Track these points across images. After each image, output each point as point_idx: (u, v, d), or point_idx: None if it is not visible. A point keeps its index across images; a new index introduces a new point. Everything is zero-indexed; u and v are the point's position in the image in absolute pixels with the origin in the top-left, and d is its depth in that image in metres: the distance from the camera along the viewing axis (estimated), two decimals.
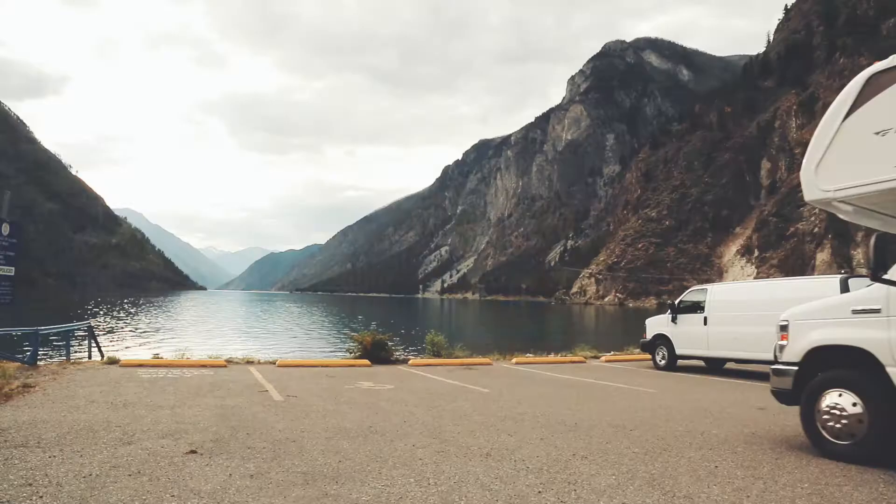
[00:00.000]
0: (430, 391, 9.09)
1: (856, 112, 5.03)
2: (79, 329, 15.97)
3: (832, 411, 5.14)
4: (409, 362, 13.53)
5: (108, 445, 5.08)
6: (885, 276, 4.83)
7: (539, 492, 4.08)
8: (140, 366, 11.36)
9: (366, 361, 13.06)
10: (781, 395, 5.83)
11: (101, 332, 24.54)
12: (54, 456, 4.68)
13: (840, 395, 5.11)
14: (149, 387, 8.66)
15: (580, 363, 14.48)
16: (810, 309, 5.73)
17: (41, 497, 3.72)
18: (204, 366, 11.76)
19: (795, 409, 5.64)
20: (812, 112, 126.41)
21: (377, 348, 13.55)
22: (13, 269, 9.67)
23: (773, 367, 5.93)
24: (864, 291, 5.22)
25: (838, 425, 5.08)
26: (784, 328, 5.83)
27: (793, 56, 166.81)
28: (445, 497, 3.93)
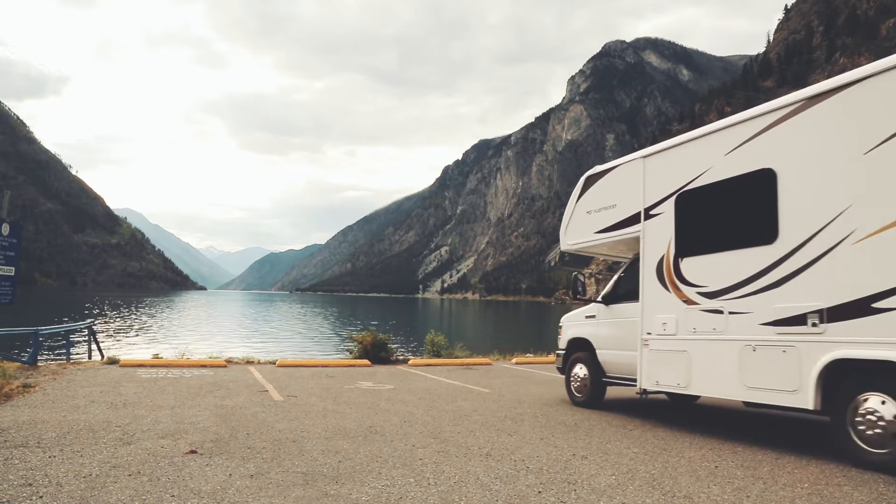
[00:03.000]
0: (430, 391, 9.09)
1: (580, 199, 8.26)
2: (79, 329, 15.97)
3: (575, 377, 8.23)
4: (409, 362, 13.52)
5: (108, 445, 5.08)
6: (578, 298, 8.30)
7: (539, 492, 4.08)
8: (140, 366, 11.36)
9: (366, 361, 13.06)
10: (559, 370, 8.81)
11: (100, 332, 24.54)
12: (54, 456, 4.68)
13: (581, 368, 8.14)
14: (149, 387, 8.66)
15: None
16: (571, 315, 8.70)
17: (41, 497, 3.71)
18: (204, 366, 11.76)
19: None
20: None
21: (377, 348, 13.55)
22: (13, 269, 9.69)
23: (556, 352, 8.92)
24: (592, 305, 8.13)
25: (577, 385, 8.17)
26: (560, 327, 8.88)
27: (793, 56, 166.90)
28: (445, 497, 3.93)
